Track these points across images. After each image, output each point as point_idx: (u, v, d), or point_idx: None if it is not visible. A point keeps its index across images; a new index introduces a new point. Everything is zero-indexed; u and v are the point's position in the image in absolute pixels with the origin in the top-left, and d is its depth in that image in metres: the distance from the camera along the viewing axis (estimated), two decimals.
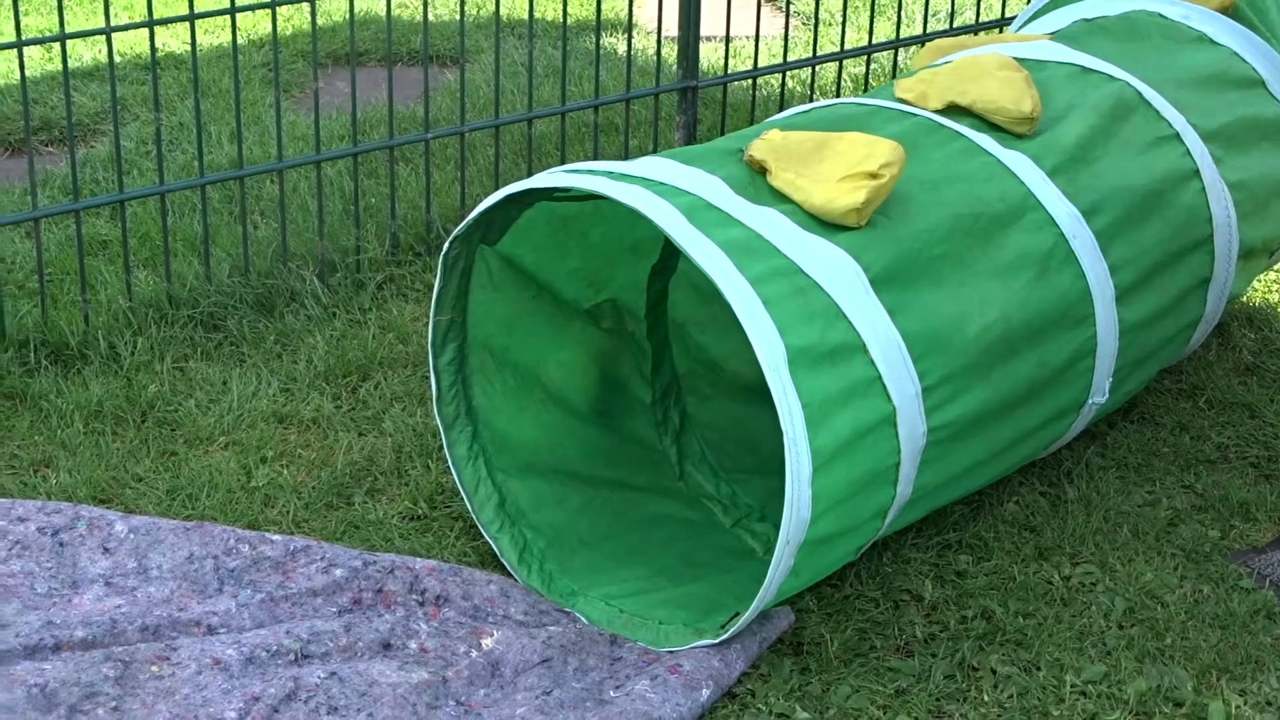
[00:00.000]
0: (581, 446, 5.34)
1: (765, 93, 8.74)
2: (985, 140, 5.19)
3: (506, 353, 5.17)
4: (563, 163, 7.05)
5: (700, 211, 4.52)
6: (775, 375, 4.26)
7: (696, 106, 7.74)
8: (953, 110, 5.30)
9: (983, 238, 4.90)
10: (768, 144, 4.79)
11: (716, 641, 4.61)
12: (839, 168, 4.67)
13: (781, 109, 8.07)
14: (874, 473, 4.52)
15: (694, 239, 4.39)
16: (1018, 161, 5.15)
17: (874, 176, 4.65)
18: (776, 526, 5.18)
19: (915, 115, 5.27)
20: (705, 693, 4.51)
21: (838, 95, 8.24)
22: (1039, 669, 4.68)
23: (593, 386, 5.41)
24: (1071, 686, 4.60)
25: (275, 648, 4.67)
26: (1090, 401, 5.24)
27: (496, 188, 6.75)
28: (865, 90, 7.19)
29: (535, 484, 5.20)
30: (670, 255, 5.39)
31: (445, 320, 5.05)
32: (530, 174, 6.85)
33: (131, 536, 5.11)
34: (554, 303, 5.24)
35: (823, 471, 4.33)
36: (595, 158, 7.52)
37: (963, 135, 5.19)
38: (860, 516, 4.60)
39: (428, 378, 6.07)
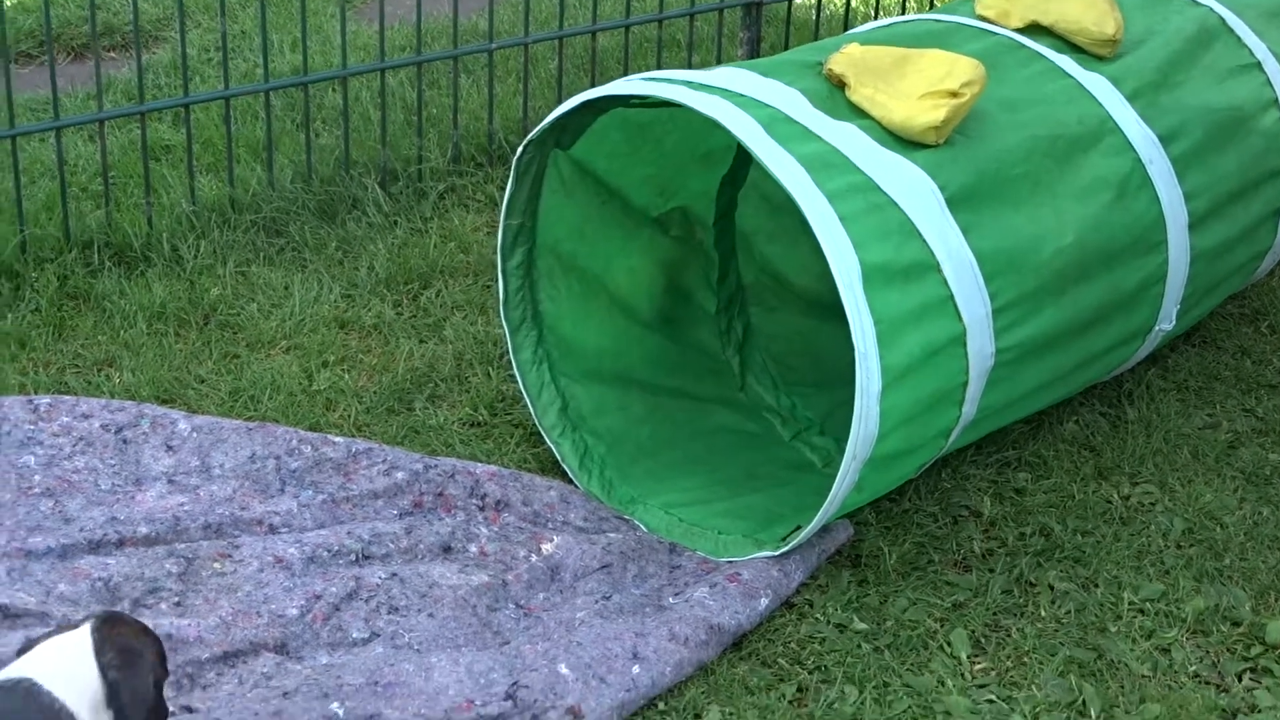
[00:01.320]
0: (645, 354, 5.34)
1: (829, 11, 8.68)
2: (1066, 62, 5.15)
3: (574, 258, 5.17)
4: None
5: (779, 124, 4.50)
6: (849, 292, 4.25)
7: (760, 23, 7.70)
8: (1034, 30, 5.25)
9: (1061, 160, 4.87)
10: (847, 58, 4.76)
11: (776, 554, 4.62)
12: (919, 84, 4.64)
13: (846, 28, 8.01)
14: (941, 392, 4.51)
15: (772, 152, 4.37)
16: (1097, 84, 5.11)
17: (954, 95, 4.62)
18: (836, 441, 5.19)
19: (996, 34, 5.23)
20: (764, 601, 4.52)
21: (903, 14, 8.17)
22: (1097, 586, 4.68)
23: (658, 294, 5.40)
24: (1129, 604, 4.60)
25: (337, 548, 4.70)
26: (1157, 328, 5.22)
27: (559, 100, 6.75)
28: (931, 9, 7.12)
29: (598, 390, 5.21)
30: (741, 165, 5.37)
31: (515, 224, 5.05)
32: (594, 87, 6.82)
33: (194, 435, 5.14)
34: (623, 209, 5.23)
35: (892, 389, 4.32)
36: None
37: (1043, 56, 5.14)
38: (925, 435, 4.59)
39: (489, 287, 6.08)
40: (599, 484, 5.00)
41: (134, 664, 3.70)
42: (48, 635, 3.66)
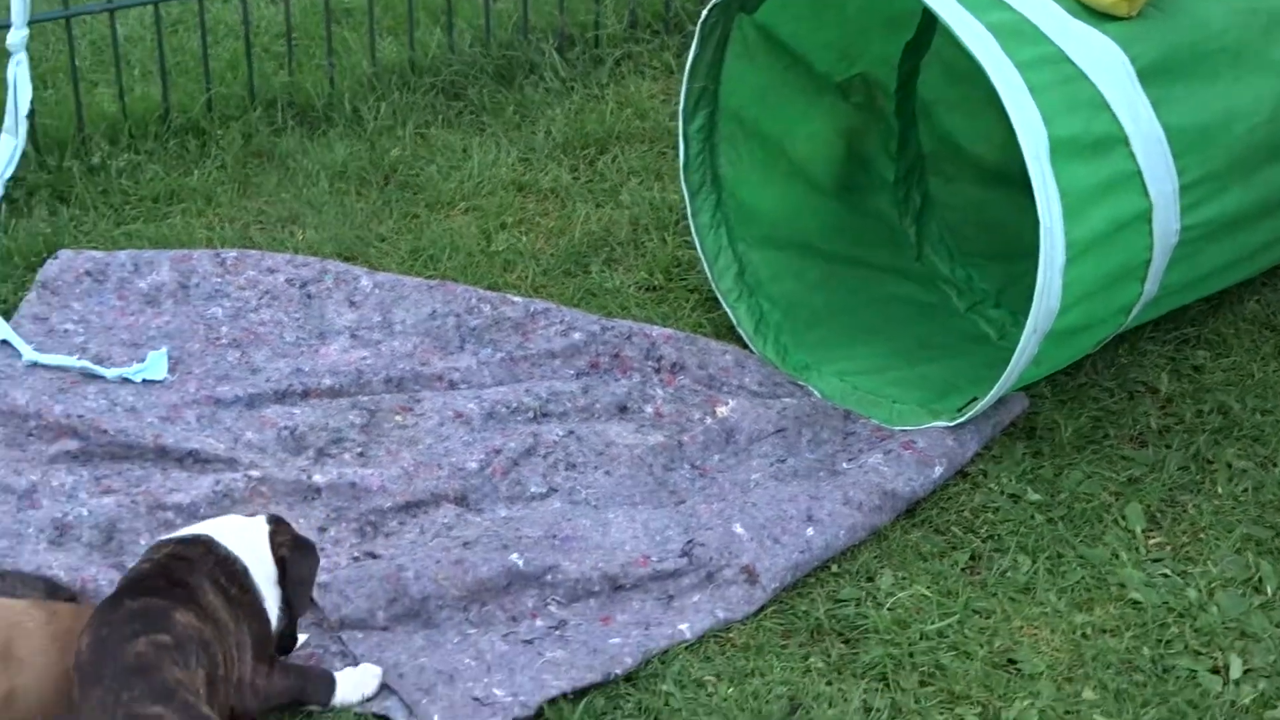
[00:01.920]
0: (822, 221, 5.34)
1: None
2: None
3: (755, 123, 5.16)
4: None
5: None
6: (1036, 164, 4.22)
7: None
8: None
9: (1261, 34, 4.76)
10: None
11: (952, 424, 4.62)
12: None
13: None
14: (1125, 268, 4.47)
15: (961, 19, 4.33)
16: None
17: None
18: (1012, 313, 5.16)
19: None
20: (938, 470, 4.54)
21: None
22: (1275, 465, 4.64)
23: (838, 161, 5.38)
24: None
25: (515, 405, 4.78)
26: None
27: None
28: None
29: (775, 256, 5.21)
30: (925, 32, 5.32)
31: (698, 87, 5.05)
32: None
33: (376, 292, 5.23)
34: (806, 75, 5.21)
35: (1075, 263, 4.29)
36: None
37: None
38: (1106, 311, 4.56)
39: (665, 153, 6.10)
40: (774, 349, 5.03)
41: (303, 551, 3.88)
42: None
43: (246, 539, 3.81)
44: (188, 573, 3.64)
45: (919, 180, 5.49)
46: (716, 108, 5.09)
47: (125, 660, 3.35)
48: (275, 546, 3.83)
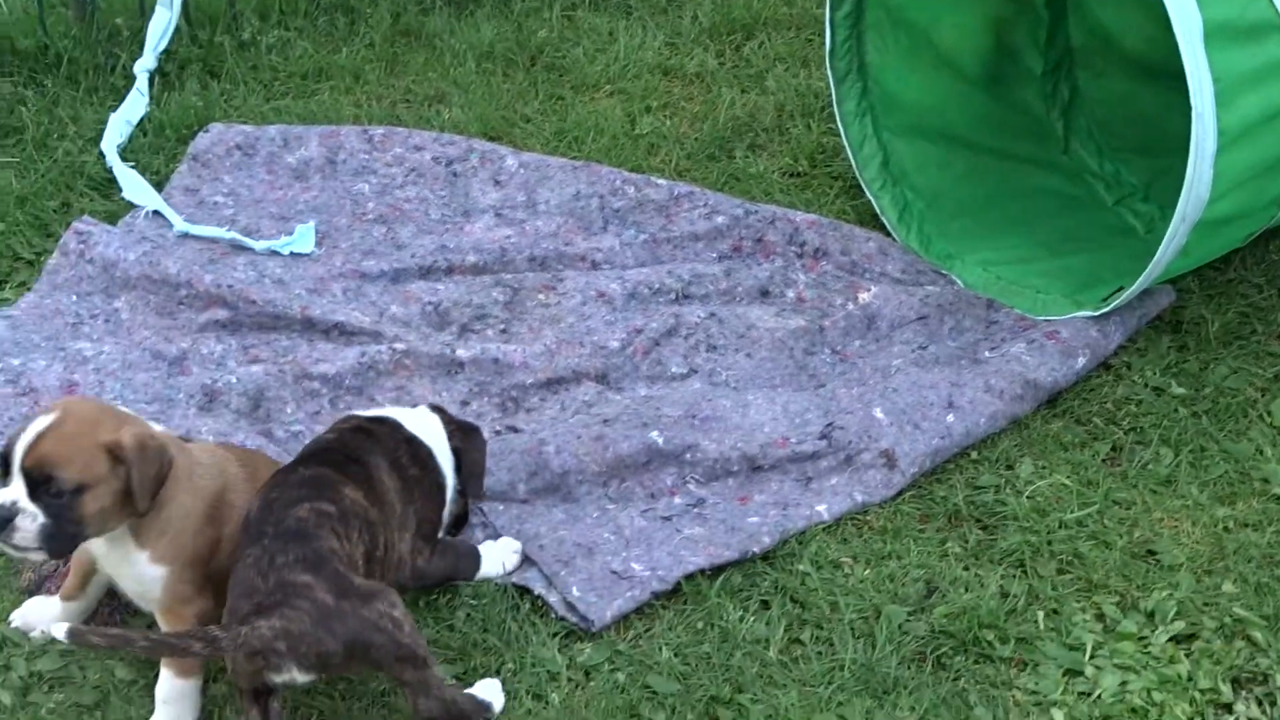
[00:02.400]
0: (969, 112, 5.29)
1: None
2: None
3: (903, 11, 5.11)
4: None
5: None
6: (1189, 49, 4.14)
7: None
8: None
9: None
10: None
11: (1096, 314, 4.58)
12: None
13: None
14: (1277, 158, 4.39)
15: None
16: None
17: None
18: (1160, 207, 5.10)
19: None
20: (1081, 360, 4.51)
21: None
22: None
23: (985, 52, 5.32)
24: None
25: (657, 286, 4.79)
26: None
27: None
28: None
29: (920, 145, 5.18)
30: None
31: None
32: None
33: (521, 171, 5.25)
34: None
35: (1226, 151, 4.22)
36: None
37: None
38: (1257, 202, 4.49)
39: (811, 40, 6.06)
40: (917, 238, 5.00)
41: (475, 438, 3.95)
42: None
43: (426, 425, 3.87)
44: (368, 450, 3.70)
45: (1067, 73, 5.41)
46: None
47: (286, 524, 3.42)
48: (449, 435, 3.89)
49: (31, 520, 3.30)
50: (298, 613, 3.27)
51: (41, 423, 3.34)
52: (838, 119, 5.15)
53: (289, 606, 3.28)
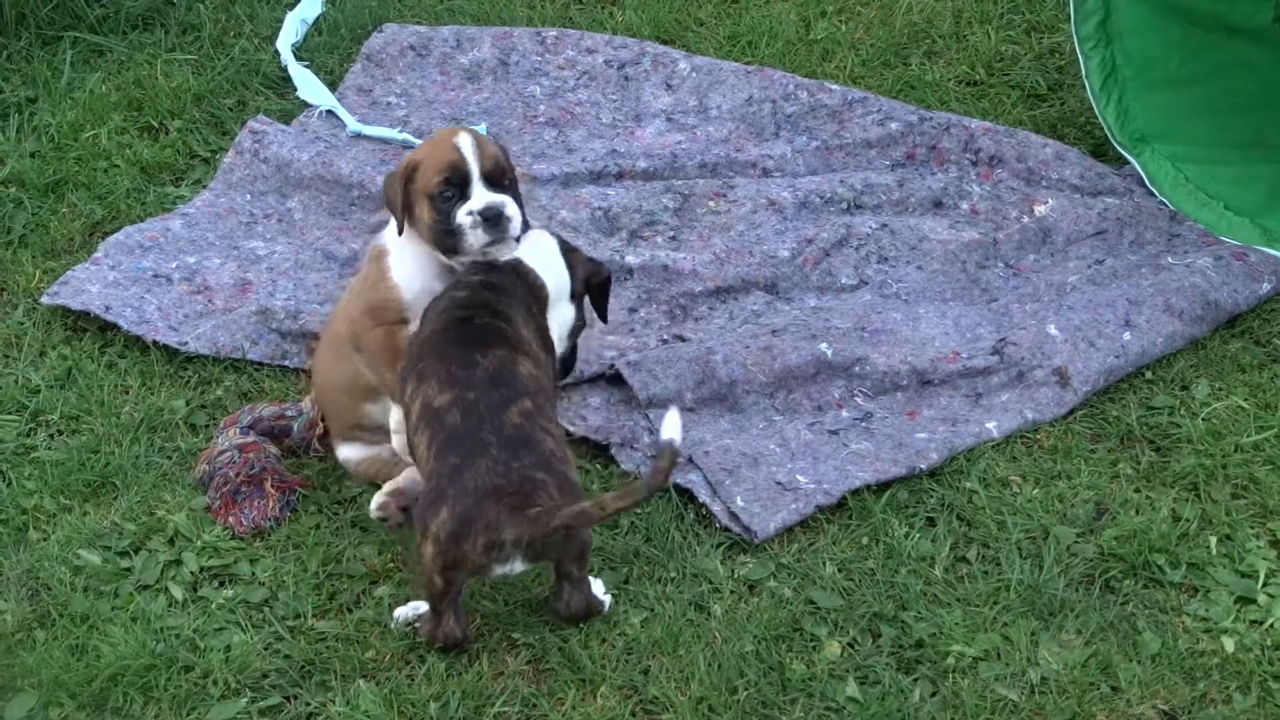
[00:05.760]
0: None
1: None
2: None
3: None
4: None
5: None
6: None
7: None
8: None
9: None
10: None
11: None
12: None
13: None
14: None
15: None
16: None
17: None
18: None
19: None
20: (1266, 286, 4.39)
21: None
22: None
23: None
24: None
25: (829, 195, 4.74)
26: None
27: None
28: None
29: (1141, 6, 4.91)
30: None
31: None
32: None
33: (694, 75, 5.21)
34: None
35: None
36: None
37: None
38: None
39: None
40: (1115, 110, 4.83)
41: (596, 267, 3.98)
42: None
43: (546, 262, 3.89)
44: (507, 306, 3.74)
45: None
46: None
47: (506, 432, 3.49)
48: (570, 266, 3.92)
49: (513, 209, 3.81)
50: (540, 509, 3.40)
51: (465, 141, 3.82)
52: None
53: (530, 504, 3.40)
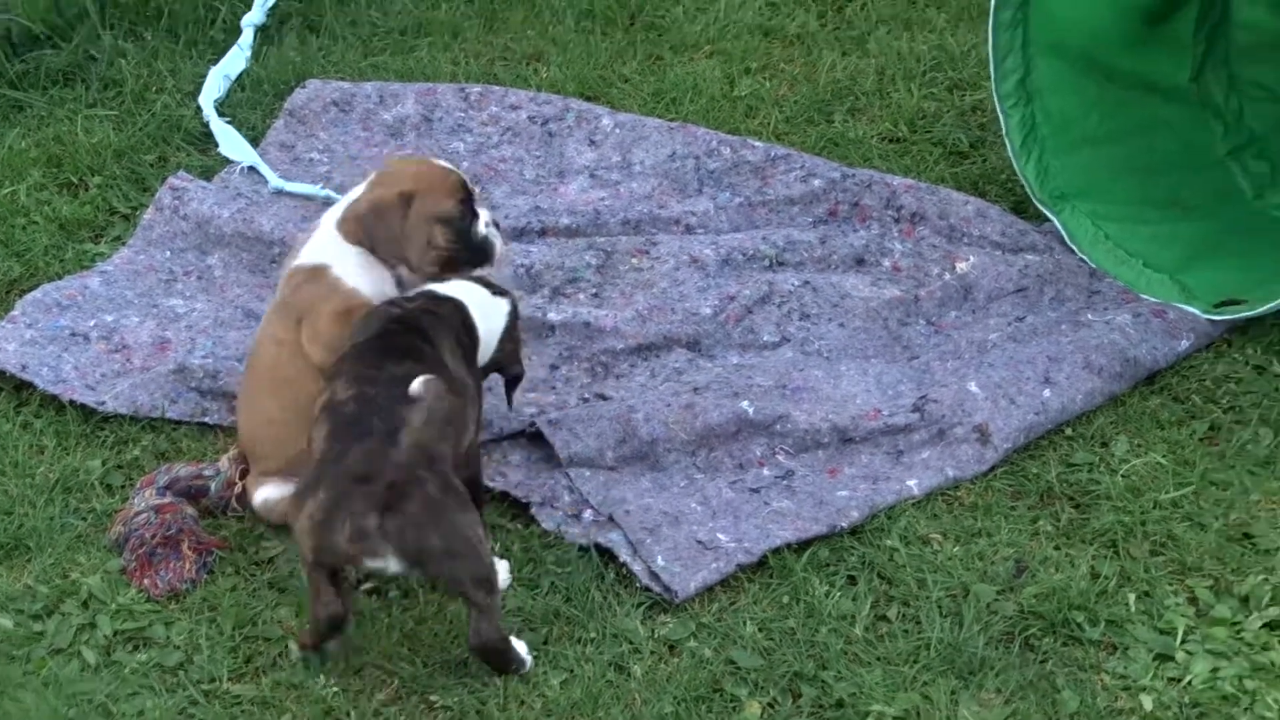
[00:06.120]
0: (1120, 32, 5.02)
1: None
2: None
3: None
4: None
5: None
6: None
7: None
8: None
9: None
10: None
11: (1203, 316, 4.46)
12: None
13: None
14: None
15: None
16: None
17: None
18: (1272, 167, 5.00)
19: None
20: (1185, 343, 4.41)
21: None
22: None
23: None
24: None
25: (751, 251, 4.74)
26: None
27: None
28: None
29: (1060, 65, 4.96)
30: None
31: None
32: None
33: (617, 131, 5.21)
34: None
35: None
36: None
37: None
38: None
39: (915, 2, 5.97)
40: (1034, 169, 4.86)
41: (515, 359, 3.98)
42: None
43: (479, 302, 3.90)
44: (435, 331, 3.74)
45: None
46: None
47: (394, 425, 3.44)
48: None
49: None
50: (412, 503, 3.37)
51: (447, 163, 4.01)
52: (990, 27, 4.91)
53: (405, 496, 3.37)
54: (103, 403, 4.25)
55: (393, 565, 3.42)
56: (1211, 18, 5.20)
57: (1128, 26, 5.09)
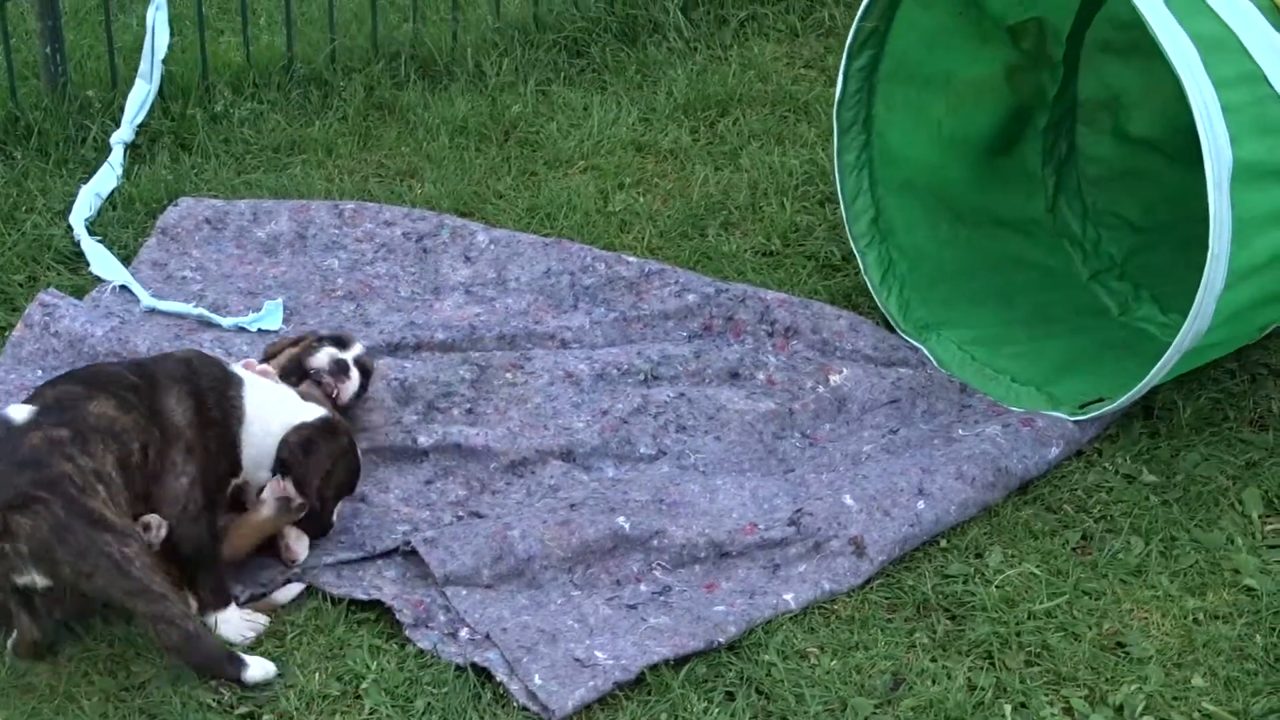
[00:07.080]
0: (964, 170, 5.16)
1: None
2: None
3: (919, 67, 5.01)
4: None
5: None
6: (1218, 192, 4.12)
7: None
8: None
9: None
10: None
11: (1072, 420, 4.53)
12: None
13: None
14: (1272, 295, 4.42)
15: (1168, 28, 4.19)
16: None
17: None
18: (1134, 286, 5.11)
19: None
20: (1054, 450, 4.47)
21: None
22: None
23: (996, 109, 5.21)
24: None
25: (626, 366, 4.76)
26: None
27: None
28: None
29: (910, 203, 5.08)
30: None
31: (869, 27, 4.86)
32: None
33: (492, 247, 5.23)
34: (978, 19, 5.06)
35: (1231, 290, 4.22)
36: None
37: None
38: (1245, 331, 4.55)
39: (786, 117, 6.05)
40: (897, 303, 4.96)
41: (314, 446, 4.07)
42: None
43: (279, 406, 4.07)
44: (171, 375, 3.92)
45: (1069, 128, 5.32)
46: (883, 50, 4.94)
47: (21, 452, 3.59)
48: (289, 438, 4.02)
49: None
50: (37, 518, 3.52)
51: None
52: (835, 171, 5.05)
53: (29, 512, 3.52)
54: None
55: (40, 581, 3.56)
56: (1058, 151, 5.33)
57: (971, 162, 5.22)
